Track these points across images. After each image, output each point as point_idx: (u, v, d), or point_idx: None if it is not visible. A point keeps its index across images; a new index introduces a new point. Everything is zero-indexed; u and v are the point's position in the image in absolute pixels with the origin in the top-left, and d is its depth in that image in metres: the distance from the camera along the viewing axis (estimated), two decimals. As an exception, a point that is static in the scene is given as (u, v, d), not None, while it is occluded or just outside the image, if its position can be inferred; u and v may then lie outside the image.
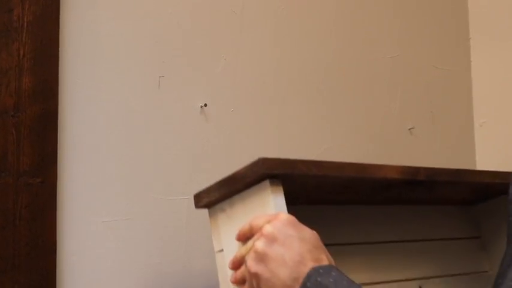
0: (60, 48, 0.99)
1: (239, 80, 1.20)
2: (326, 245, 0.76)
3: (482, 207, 1.30)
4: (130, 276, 1.03)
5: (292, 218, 0.74)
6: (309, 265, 0.70)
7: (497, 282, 0.61)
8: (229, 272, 0.80)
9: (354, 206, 1.10)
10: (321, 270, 0.69)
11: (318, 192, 0.97)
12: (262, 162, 0.77)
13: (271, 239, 0.71)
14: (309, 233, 0.73)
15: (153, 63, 1.10)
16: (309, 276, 0.69)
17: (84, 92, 1.02)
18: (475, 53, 1.62)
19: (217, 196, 0.85)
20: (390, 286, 1.12)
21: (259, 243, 0.72)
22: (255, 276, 0.73)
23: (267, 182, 0.78)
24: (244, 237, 0.77)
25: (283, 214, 0.74)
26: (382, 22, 1.46)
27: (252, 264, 0.73)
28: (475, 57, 1.62)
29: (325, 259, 0.72)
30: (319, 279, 0.68)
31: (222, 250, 0.86)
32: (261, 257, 0.71)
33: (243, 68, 1.21)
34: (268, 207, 0.77)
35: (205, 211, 0.88)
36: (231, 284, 0.81)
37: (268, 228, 0.72)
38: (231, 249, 0.81)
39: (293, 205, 0.81)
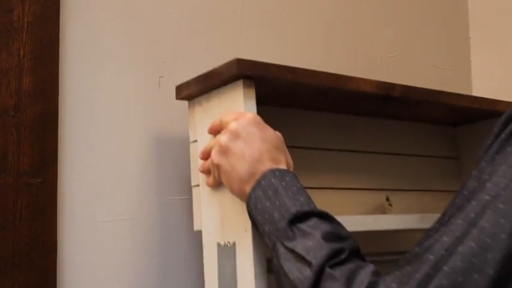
0: (60, 48, 0.99)
1: (239, 80, 1.20)
2: (294, 147, 0.79)
3: (464, 130, 1.30)
4: (130, 276, 1.03)
5: (257, 118, 0.77)
6: (267, 165, 0.73)
7: (418, 249, 0.58)
8: (200, 162, 0.85)
9: (327, 113, 1.11)
10: (277, 173, 0.72)
11: (291, 96, 0.99)
12: (237, 62, 0.80)
13: (235, 135, 0.75)
14: (271, 134, 0.77)
15: (153, 63, 1.10)
16: (265, 175, 0.72)
17: (84, 92, 1.02)
18: (475, 53, 1.62)
19: (195, 90, 0.89)
20: (357, 193, 1.13)
21: (223, 138, 0.76)
22: (217, 167, 0.78)
23: (240, 82, 0.82)
24: (215, 131, 0.81)
25: (250, 113, 0.78)
26: (382, 21, 1.46)
27: (215, 156, 0.77)
28: (475, 57, 1.62)
29: (283, 161, 0.75)
30: (273, 180, 0.71)
31: (196, 141, 0.91)
32: (224, 151, 0.76)
33: (243, 67, 1.21)
34: (240, 106, 0.81)
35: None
36: (199, 173, 0.87)
37: (233, 125, 0.76)
38: (204, 140, 0.86)
39: (265, 106, 0.84)
